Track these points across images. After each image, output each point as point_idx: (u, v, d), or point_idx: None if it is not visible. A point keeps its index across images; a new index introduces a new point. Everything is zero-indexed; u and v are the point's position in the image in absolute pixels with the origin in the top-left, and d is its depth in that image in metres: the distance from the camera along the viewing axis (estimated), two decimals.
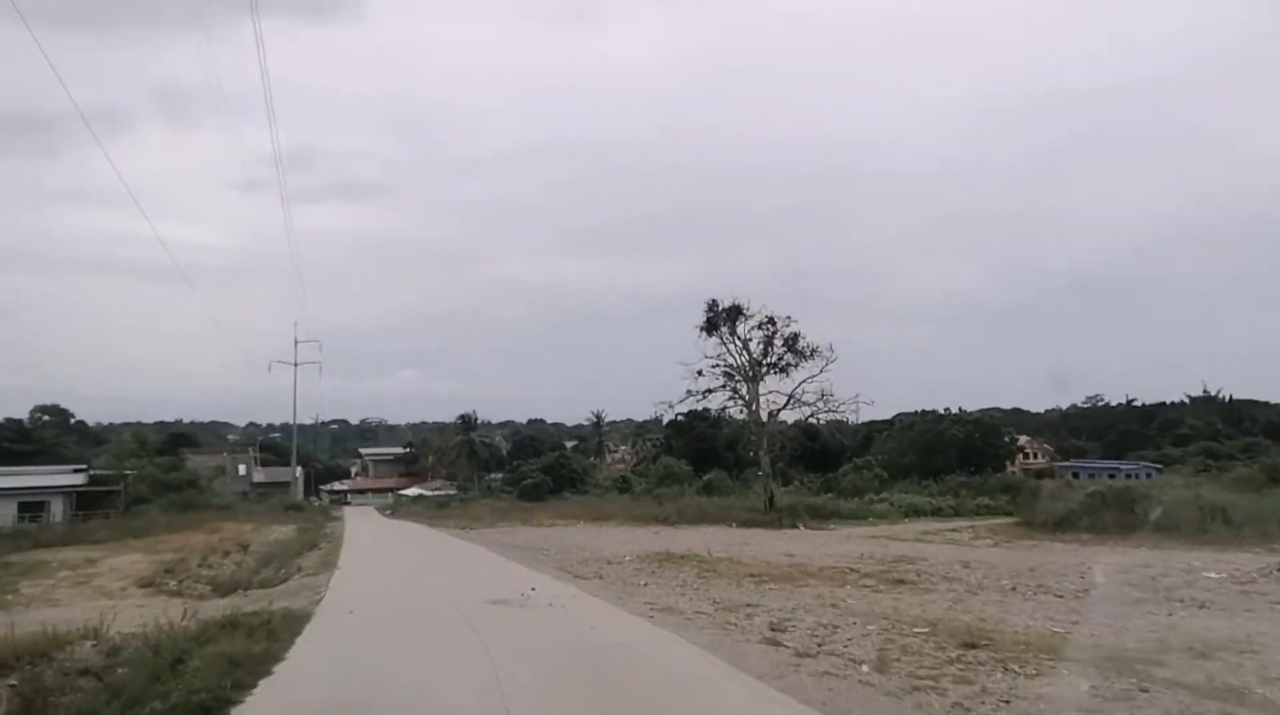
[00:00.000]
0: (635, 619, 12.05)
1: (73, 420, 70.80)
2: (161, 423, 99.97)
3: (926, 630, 11.68)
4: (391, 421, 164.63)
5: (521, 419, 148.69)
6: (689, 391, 42.72)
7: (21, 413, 75.46)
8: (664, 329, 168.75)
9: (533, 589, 15.30)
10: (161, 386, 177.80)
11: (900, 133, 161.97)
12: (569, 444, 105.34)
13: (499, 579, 17.51)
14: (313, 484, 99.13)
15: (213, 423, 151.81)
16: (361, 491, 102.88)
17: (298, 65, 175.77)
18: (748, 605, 14.24)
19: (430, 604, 14.01)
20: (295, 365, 71.16)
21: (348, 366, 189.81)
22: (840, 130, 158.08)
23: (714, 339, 41.82)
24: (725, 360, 41.58)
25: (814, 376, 41.05)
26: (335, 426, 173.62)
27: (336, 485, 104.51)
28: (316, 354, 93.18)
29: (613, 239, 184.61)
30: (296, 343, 71.43)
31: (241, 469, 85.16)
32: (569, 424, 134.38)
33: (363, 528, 46.95)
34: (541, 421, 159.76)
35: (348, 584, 17.73)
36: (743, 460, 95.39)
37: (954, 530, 34.23)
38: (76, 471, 51.13)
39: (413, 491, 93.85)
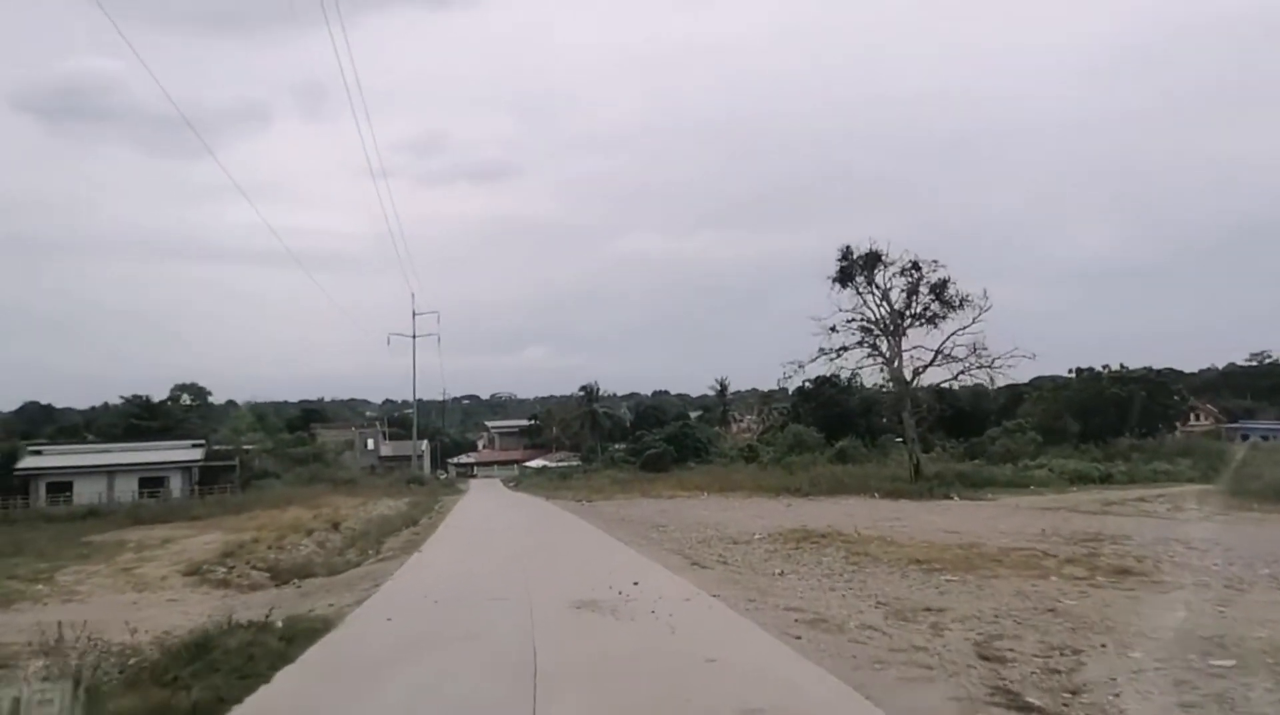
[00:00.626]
0: (774, 641, 8.08)
1: (210, 397, 71.73)
2: (303, 402, 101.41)
3: (1232, 663, 7.36)
4: (521, 396, 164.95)
5: (646, 391, 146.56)
6: (821, 350, 38.13)
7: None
8: (789, 299, 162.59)
9: (635, 583, 11.56)
10: (304, 369, 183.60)
11: (1031, 86, 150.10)
12: (693, 415, 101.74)
13: (599, 567, 13.84)
14: (439, 457, 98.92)
15: (351, 401, 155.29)
16: (487, 464, 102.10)
17: (424, 54, 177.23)
18: (927, 609, 10.13)
19: (497, 607, 10.42)
20: (413, 337, 69.80)
21: (478, 343, 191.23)
22: (969, 86, 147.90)
23: (848, 291, 37.07)
24: (863, 313, 36.80)
25: (964, 328, 35.84)
26: (466, 401, 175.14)
27: (463, 458, 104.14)
28: (435, 326, 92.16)
29: (737, 211, 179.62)
30: (414, 315, 69.98)
31: (370, 443, 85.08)
32: (693, 395, 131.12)
33: (476, 502, 44.59)
34: (665, 393, 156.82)
35: (418, 574, 14.43)
36: (876, 427, 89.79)
37: (1141, 500, 28.77)
38: (195, 446, 50.70)
39: (537, 463, 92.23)
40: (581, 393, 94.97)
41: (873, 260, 36.34)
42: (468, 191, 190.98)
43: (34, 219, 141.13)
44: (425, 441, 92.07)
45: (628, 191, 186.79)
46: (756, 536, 18.93)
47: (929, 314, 36.02)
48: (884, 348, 36.97)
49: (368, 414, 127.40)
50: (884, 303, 36.43)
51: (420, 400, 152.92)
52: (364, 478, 66.41)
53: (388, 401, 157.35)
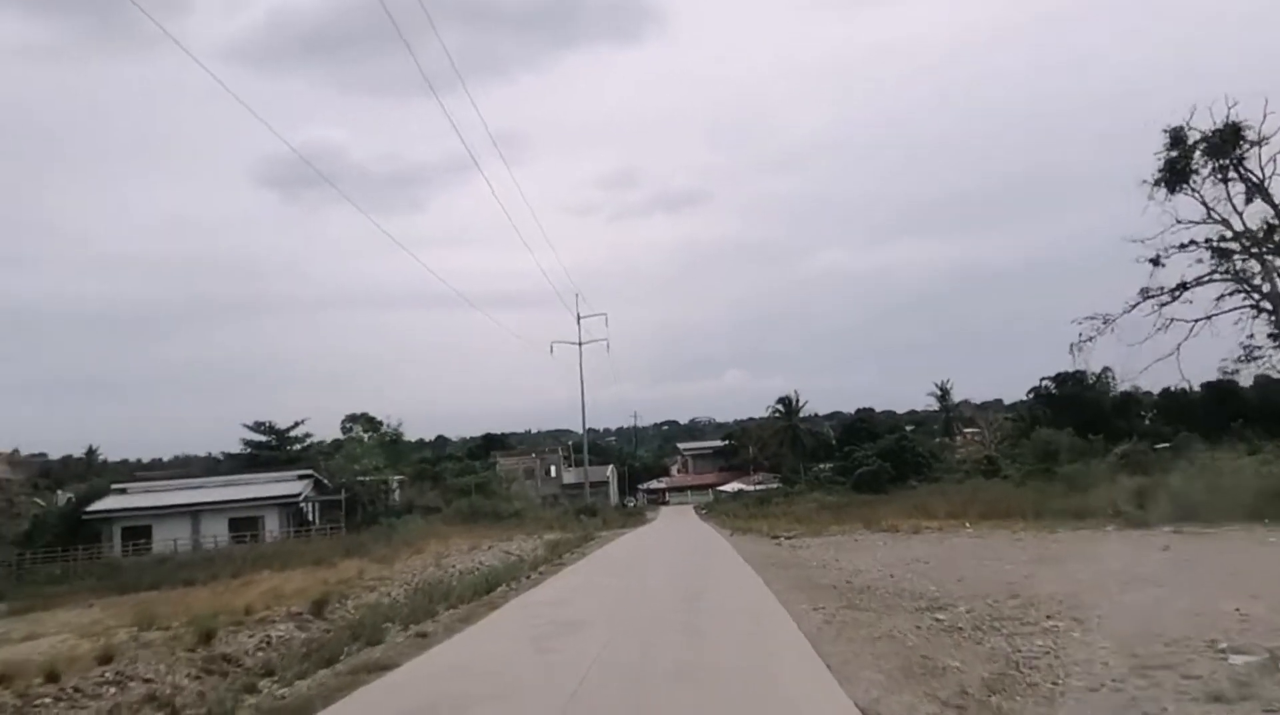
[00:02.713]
0: None
1: (386, 430, 64.23)
2: (488, 433, 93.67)
3: None
4: (720, 419, 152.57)
5: (848, 409, 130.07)
6: (1145, 292, 23.53)
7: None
8: (998, 306, 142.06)
9: None
10: (507, 404, 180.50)
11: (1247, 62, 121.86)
12: (907, 429, 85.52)
13: None
14: (627, 483, 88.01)
15: (556, 431, 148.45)
16: (680, 490, 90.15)
17: (616, 90, 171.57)
18: None
19: None
20: (579, 344, 59.06)
21: (677, 370, 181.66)
22: (1174, 65, 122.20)
23: (1187, 196, 22.27)
24: (1225, 222, 21.84)
25: None
26: (665, 427, 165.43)
27: (654, 483, 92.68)
28: (603, 329, 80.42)
29: (932, 219, 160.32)
30: (579, 319, 59.27)
31: (552, 470, 75.29)
32: (899, 411, 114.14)
33: (639, 542, 32.55)
34: (870, 410, 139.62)
35: None
36: (1139, 432, 71.01)
37: None
38: (301, 479, 41.31)
39: (732, 487, 79.30)
40: (779, 408, 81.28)
41: (1229, 139, 21.37)
42: (661, 221, 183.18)
43: (270, 279, 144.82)
44: (610, 467, 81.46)
45: (818, 208, 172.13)
46: None
47: None
48: (1260, 274, 21.70)
49: (570, 443, 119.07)
50: (1263, 200, 21.30)
51: (620, 428, 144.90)
52: (535, 509, 56.10)
53: (590, 430, 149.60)
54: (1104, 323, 25.31)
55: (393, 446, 50.40)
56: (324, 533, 36.78)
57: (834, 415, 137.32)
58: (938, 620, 9.67)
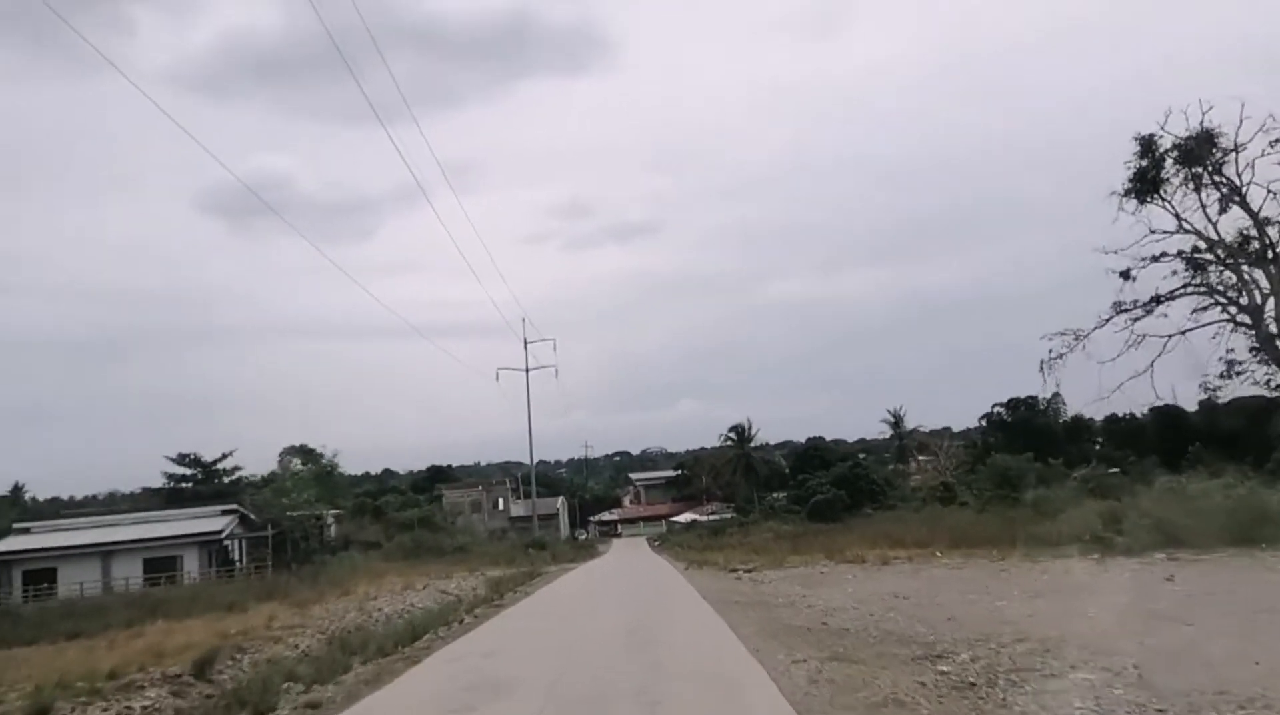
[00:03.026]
0: None
1: (324, 461, 60.89)
2: (434, 467, 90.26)
3: None
4: (672, 449, 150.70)
5: (799, 437, 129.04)
6: (1118, 306, 22.44)
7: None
8: (946, 335, 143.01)
9: None
10: (455, 436, 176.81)
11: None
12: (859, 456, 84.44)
13: None
14: (578, 515, 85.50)
15: (506, 463, 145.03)
16: (633, 521, 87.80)
17: (568, 119, 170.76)
18: None
19: None
20: (526, 371, 56.97)
21: (628, 401, 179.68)
22: (1124, 96, 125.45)
23: (1158, 206, 21.28)
24: (1199, 233, 20.84)
25: None
26: (617, 458, 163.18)
27: (606, 515, 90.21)
28: (551, 355, 78.69)
29: (880, 248, 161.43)
30: (526, 344, 57.22)
31: (500, 503, 72.67)
32: (849, 439, 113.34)
33: (587, 578, 30.58)
34: (820, 439, 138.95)
35: None
36: (1090, 457, 70.93)
37: None
38: (225, 514, 38.17)
39: (685, 518, 77.34)
40: (731, 435, 79.74)
41: (1202, 146, 20.44)
42: (613, 251, 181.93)
43: (213, 309, 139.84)
44: (560, 498, 79.01)
45: (768, 237, 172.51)
46: None
47: None
48: (1236, 287, 20.68)
49: (519, 475, 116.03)
50: (1231, 209, 20.34)
51: (572, 459, 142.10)
52: (482, 543, 53.54)
53: (541, 462, 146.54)
54: (1075, 339, 24.18)
55: (327, 479, 47.29)
56: (249, 573, 33.87)
57: (785, 444, 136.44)
58: (942, 673, 7.93)
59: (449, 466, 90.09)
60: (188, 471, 45.65)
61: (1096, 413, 75.94)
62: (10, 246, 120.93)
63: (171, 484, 45.37)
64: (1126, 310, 23.01)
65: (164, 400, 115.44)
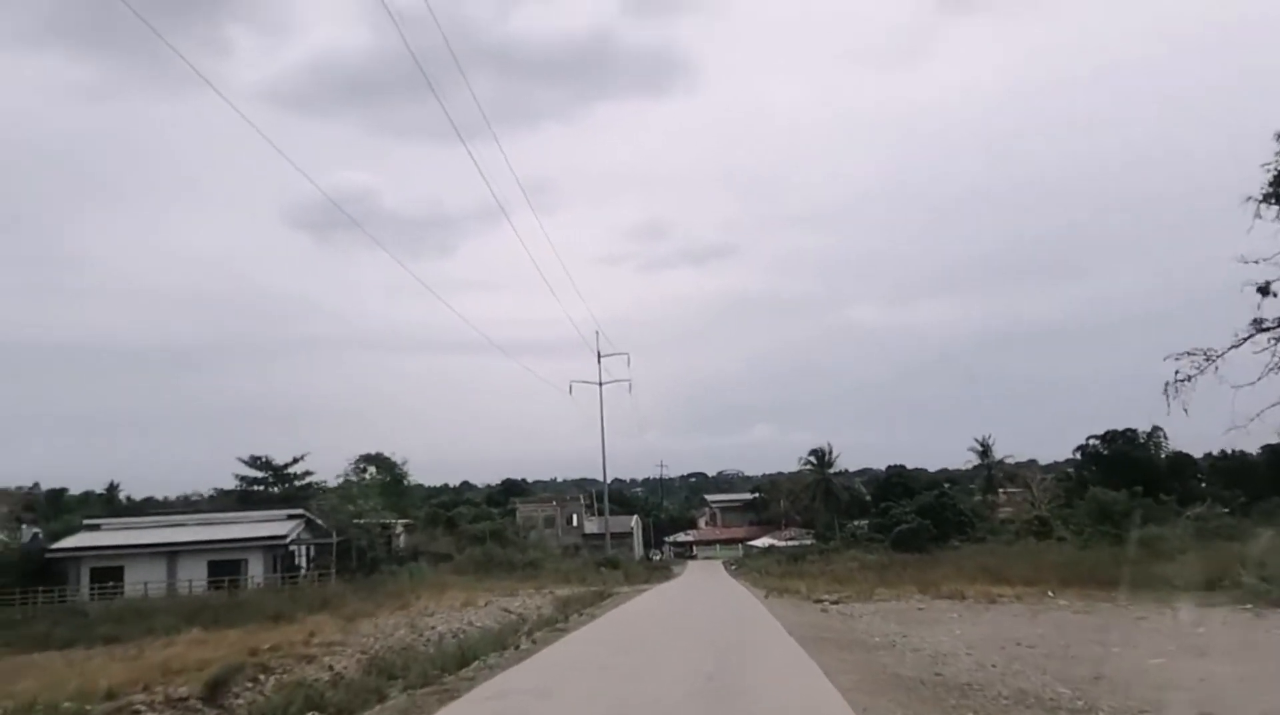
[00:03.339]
0: None
1: (396, 470, 60.35)
2: (509, 480, 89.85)
3: None
4: (748, 472, 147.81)
5: (878, 466, 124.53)
6: (1257, 323, 19.76)
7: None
8: (1030, 366, 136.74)
9: None
10: (524, 449, 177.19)
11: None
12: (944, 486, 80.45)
13: None
14: (652, 535, 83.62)
15: (582, 480, 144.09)
16: (708, 543, 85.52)
17: (646, 141, 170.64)
18: None
19: None
20: (600, 384, 55.69)
21: (703, 424, 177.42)
22: (1215, 123, 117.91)
23: None
24: None
25: None
26: (692, 480, 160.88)
27: (681, 536, 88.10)
28: (625, 369, 76.73)
29: (960, 276, 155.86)
30: (599, 357, 55.93)
31: (574, 519, 71.45)
32: (931, 469, 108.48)
33: (660, 601, 28.83)
34: (902, 467, 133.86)
35: None
36: (1194, 494, 66.08)
37: None
38: (291, 519, 37.75)
39: (763, 542, 74.75)
40: (811, 459, 76.94)
41: None
42: (689, 273, 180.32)
43: (297, 320, 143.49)
44: (634, 517, 77.34)
45: (845, 264, 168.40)
46: None
47: None
48: None
49: (594, 492, 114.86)
50: None
51: (648, 479, 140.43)
52: (554, 559, 52.23)
53: (615, 481, 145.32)
54: (1206, 360, 21.24)
55: (396, 487, 46.49)
56: (313, 579, 33.15)
57: (864, 471, 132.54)
58: None
59: (524, 480, 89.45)
60: (259, 474, 45.69)
61: (1230, 444, 70.95)
62: (108, 257, 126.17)
63: (243, 486, 45.42)
64: (1268, 328, 20.22)
65: (251, 408, 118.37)
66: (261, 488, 44.52)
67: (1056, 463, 76.16)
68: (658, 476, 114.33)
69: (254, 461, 45.59)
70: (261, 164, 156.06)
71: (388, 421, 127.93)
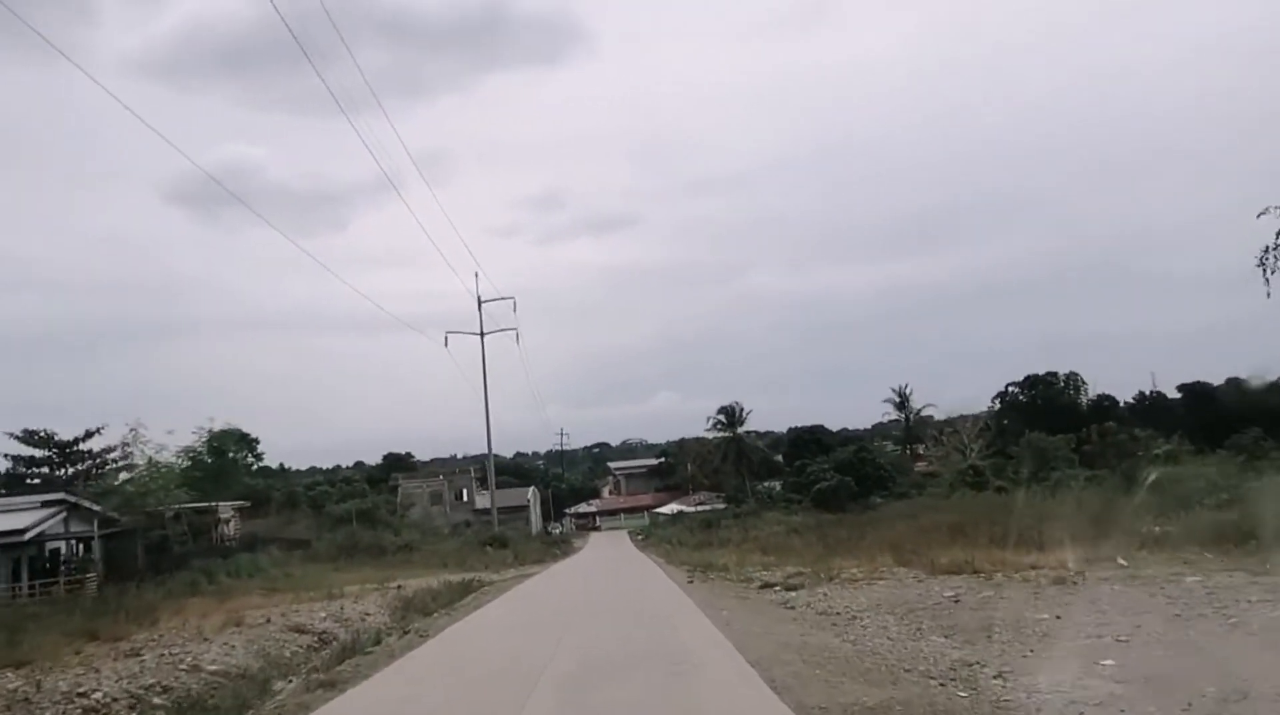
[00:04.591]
0: None
1: (259, 451, 50.49)
2: (392, 455, 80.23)
3: None
4: (652, 441, 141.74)
5: (781, 430, 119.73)
6: None
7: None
8: (933, 327, 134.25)
9: None
10: (418, 429, 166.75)
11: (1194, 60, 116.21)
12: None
13: None
14: (551, 507, 75.97)
15: (479, 456, 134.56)
16: (613, 513, 78.46)
17: (542, 111, 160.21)
18: None
19: None
20: (481, 335, 47.37)
21: (605, 395, 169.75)
22: (1119, 89, 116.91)
23: None
24: None
25: None
26: (595, 450, 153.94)
27: (583, 507, 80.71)
28: (511, 315, 68.37)
29: (862, 241, 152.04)
30: (480, 302, 47.57)
31: (464, 493, 63.13)
32: (833, 429, 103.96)
33: (554, 588, 21.35)
34: (818, 426, 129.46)
35: None
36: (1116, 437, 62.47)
37: None
38: (48, 506, 26.24)
39: (671, 509, 68.14)
40: (720, 418, 70.60)
41: None
42: (588, 243, 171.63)
43: (176, 300, 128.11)
44: (531, 489, 69.48)
45: (748, 230, 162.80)
46: None
47: None
48: None
49: (487, 465, 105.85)
50: None
51: (550, 451, 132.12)
52: (433, 540, 44.13)
53: (518, 455, 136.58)
54: None
55: (220, 466, 36.04)
56: (80, 584, 23.81)
57: (767, 434, 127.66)
58: None
59: (408, 456, 79.90)
60: (39, 453, 35.24)
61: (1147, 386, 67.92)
62: None
63: (13, 468, 34.65)
64: None
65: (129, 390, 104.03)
66: (47, 470, 34.26)
67: (973, 416, 72.02)
68: (558, 448, 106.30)
69: (30, 437, 34.94)
70: (139, 138, 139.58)
71: (262, 401, 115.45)
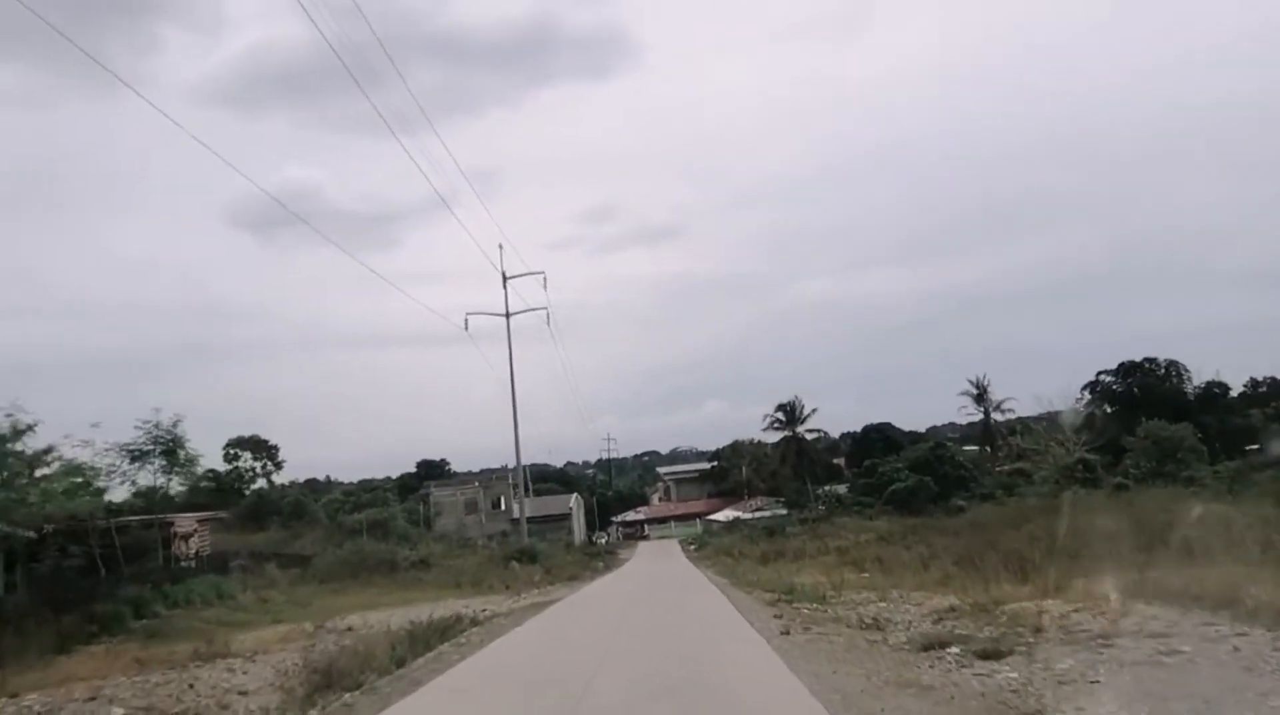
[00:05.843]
0: None
1: (280, 459, 44.85)
2: (425, 462, 74.14)
3: None
4: (703, 448, 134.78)
5: (835, 434, 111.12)
6: None
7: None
8: (984, 328, 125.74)
9: None
10: (461, 440, 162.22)
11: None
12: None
13: None
14: (597, 515, 69.29)
15: (533, 465, 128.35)
16: (662, 520, 71.54)
17: (591, 125, 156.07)
18: None
19: None
20: (507, 316, 40.87)
21: (655, 404, 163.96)
22: (1156, 88, 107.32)
23: None
24: None
25: None
26: (645, 457, 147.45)
27: (630, 515, 73.85)
28: (542, 295, 62.00)
29: (913, 246, 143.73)
30: (505, 278, 41.05)
31: (502, 502, 56.87)
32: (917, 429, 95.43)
33: (577, 623, 14.47)
34: (887, 424, 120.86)
35: None
36: (1233, 429, 54.97)
37: None
38: None
39: (726, 515, 60.96)
40: (779, 416, 63.31)
41: None
42: (639, 255, 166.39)
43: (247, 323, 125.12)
44: (574, 496, 62.93)
45: (794, 238, 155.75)
46: None
47: None
48: None
49: (531, 473, 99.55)
50: None
51: (600, 459, 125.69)
52: (457, 554, 37.86)
53: (569, 464, 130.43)
54: None
55: (177, 468, 28.45)
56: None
57: (820, 438, 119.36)
58: None
59: (443, 462, 73.85)
60: None
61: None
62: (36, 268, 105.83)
63: None
64: None
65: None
66: None
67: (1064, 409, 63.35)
68: (606, 457, 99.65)
69: None
70: (201, 164, 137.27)
71: (311, 417, 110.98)
